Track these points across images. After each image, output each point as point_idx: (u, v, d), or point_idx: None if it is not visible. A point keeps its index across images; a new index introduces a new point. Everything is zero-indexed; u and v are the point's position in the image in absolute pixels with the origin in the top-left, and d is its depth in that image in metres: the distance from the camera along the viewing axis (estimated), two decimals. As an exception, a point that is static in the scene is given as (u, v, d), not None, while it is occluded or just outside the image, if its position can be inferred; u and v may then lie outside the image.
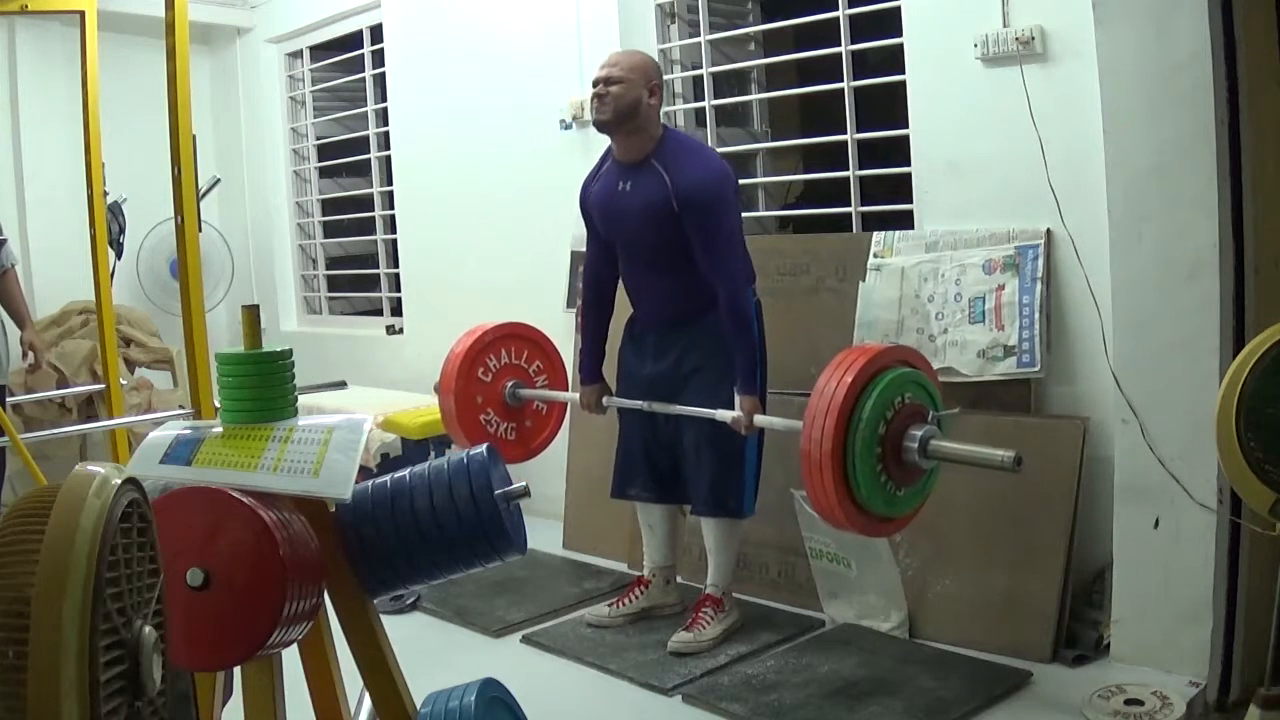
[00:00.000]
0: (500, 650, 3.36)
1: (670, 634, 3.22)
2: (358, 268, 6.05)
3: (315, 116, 6.05)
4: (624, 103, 3.07)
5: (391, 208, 5.51)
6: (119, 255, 5.27)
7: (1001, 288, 3.21)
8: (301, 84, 6.04)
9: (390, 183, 5.48)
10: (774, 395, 3.21)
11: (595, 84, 3.12)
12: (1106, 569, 3.01)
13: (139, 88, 5.01)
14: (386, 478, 1.73)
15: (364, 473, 1.64)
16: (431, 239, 5.21)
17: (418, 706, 1.68)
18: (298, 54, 6.03)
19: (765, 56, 4.26)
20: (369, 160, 5.67)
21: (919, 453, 2.46)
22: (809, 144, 4.33)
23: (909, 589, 3.22)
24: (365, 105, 5.61)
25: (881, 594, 3.25)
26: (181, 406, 4.30)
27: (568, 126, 4.46)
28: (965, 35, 3.25)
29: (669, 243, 3.09)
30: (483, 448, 1.75)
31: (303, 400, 1.73)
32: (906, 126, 3.50)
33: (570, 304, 4.43)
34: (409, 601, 3.64)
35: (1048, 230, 3.16)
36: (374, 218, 5.68)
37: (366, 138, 5.64)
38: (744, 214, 3.45)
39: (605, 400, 3.38)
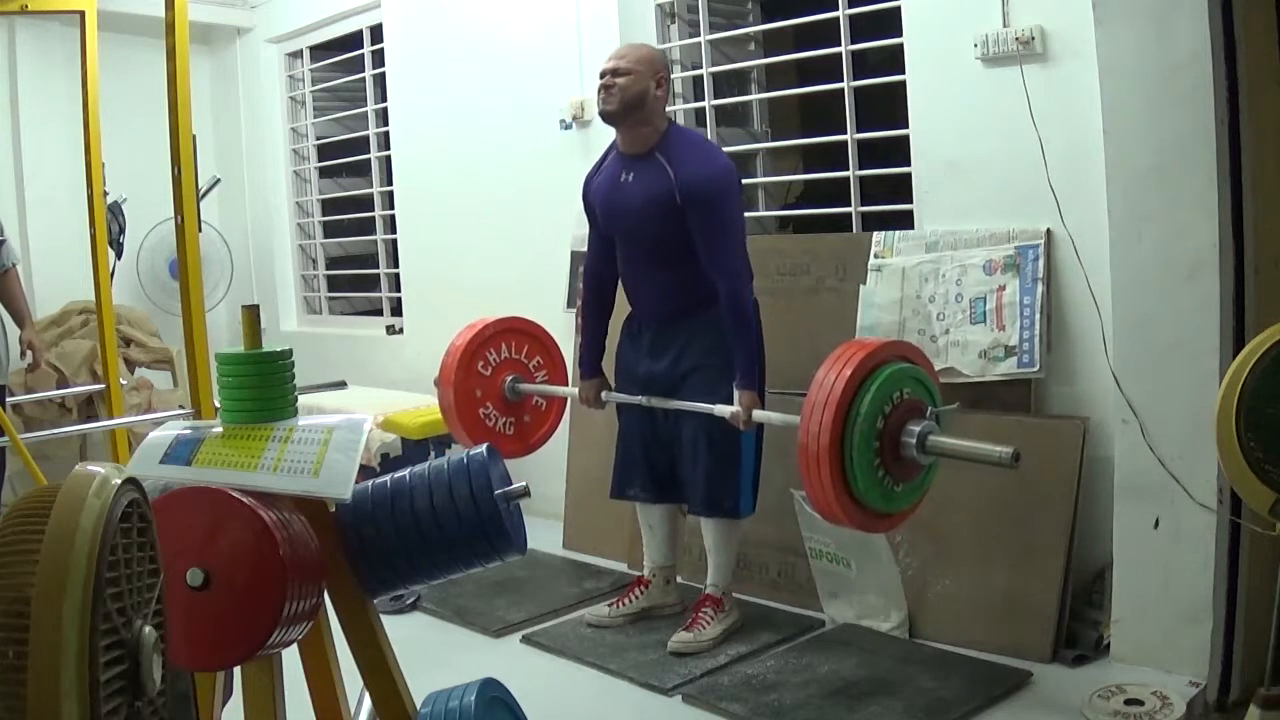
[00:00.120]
0: (500, 650, 3.36)
1: (670, 634, 3.22)
2: (358, 268, 6.05)
3: (315, 116, 6.05)
4: (630, 94, 3.08)
5: (391, 208, 5.51)
6: (119, 255, 5.26)
7: (1002, 288, 3.21)
8: (301, 84, 6.04)
9: (390, 183, 5.48)
10: (774, 395, 3.21)
11: (602, 75, 3.13)
12: (1106, 569, 3.01)
13: (139, 88, 5.01)
14: (386, 478, 1.73)
15: (364, 473, 1.64)
16: (431, 239, 5.21)
17: (418, 706, 1.68)
18: (298, 54, 6.03)
19: (765, 56, 4.26)
20: (369, 160, 5.67)
21: (917, 448, 2.45)
22: (809, 144, 4.34)
23: (909, 589, 3.22)
24: (365, 105, 5.61)
25: (881, 594, 3.25)
26: (181, 406, 4.30)
27: (568, 126, 4.46)
28: (965, 35, 3.25)
29: (669, 236, 3.08)
30: (483, 448, 1.75)
31: (303, 400, 1.73)
32: (906, 126, 3.50)
33: (570, 304, 4.43)
34: (409, 601, 3.64)
35: (1048, 230, 3.16)
36: (374, 218, 5.68)
37: (366, 138, 5.64)
38: (744, 214, 3.45)
39: (604, 395, 3.38)
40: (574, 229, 4.43)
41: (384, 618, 1.72)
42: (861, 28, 3.68)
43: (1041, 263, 3.15)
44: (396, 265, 5.51)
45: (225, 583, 1.38)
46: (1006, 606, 3.05)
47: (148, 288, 5.85)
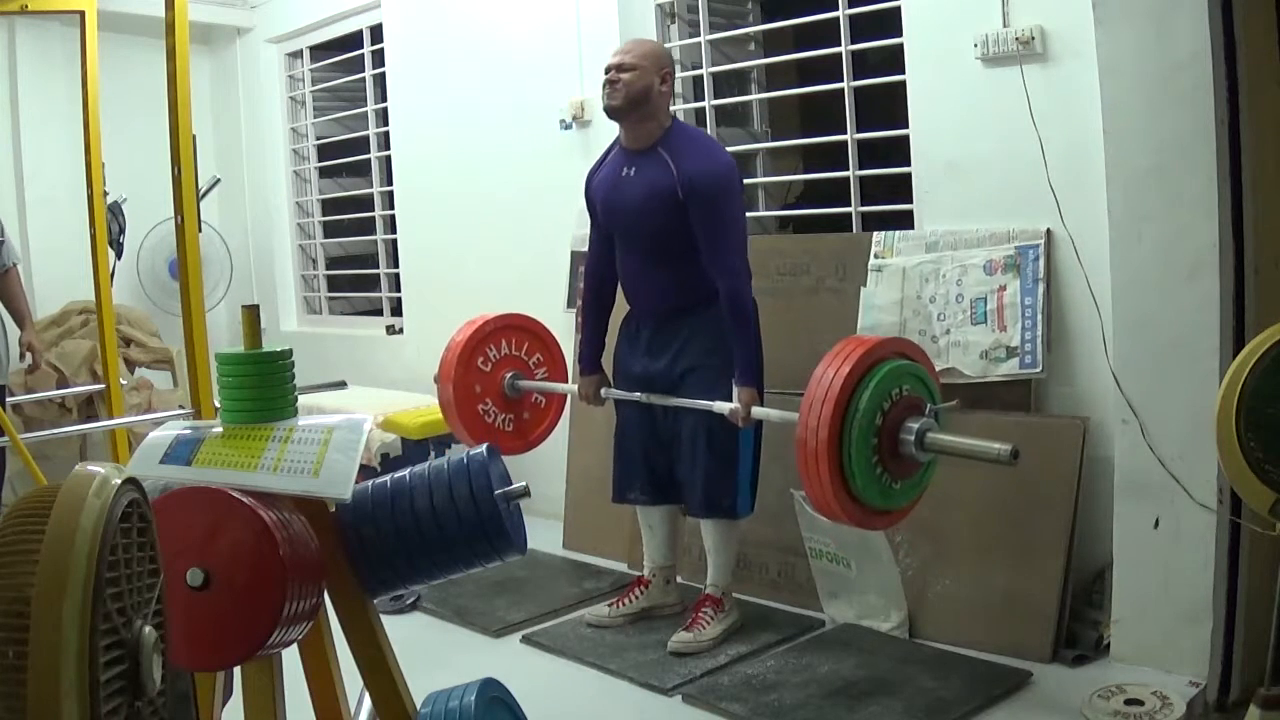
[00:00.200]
0: (500, 650, 3.36)
1: (670, 634, 3.22)
2: (358, 268, 6.05)
3: (315, 116, 6.05)
4: (635, 90, 3.08)
5: (391, 208, 5.51)
6: (119, 255, 5.27)
7: (1003, 288, 3.21)
8: (301, 84, 6.04)
9: (390, 183, 5.48)
10: (774, 394, 3.21)
11: (607, 70, 3.13)
12: (1106, 569, 3.01)
13: (139, 88, 5.01)
14: (386, 478, 1.73)
15: (364, 472, 1.64)
16: (431, 239, 5.21)
17: (418, 706, 1.68)
18: (298, 54, 6.03)
19: (765, 56, 4.26)
20: (369, 160, 5.67)
21: (915, 445, 2.44)
22: (809, 144, 4.34)
23: (909, 589, 3.22)
24: (365, 105, 5.61)
25: (881, 594, 3.25)
26: (181, 406, 4.30)
27: (568, 126, 4.46)
28: (965, 35, 3.25)
29: (669, 232, 3.08)
30: (483, 448, 1.75)
31: (303, 400, 1.73)
32: (906, 126, 3.50)
33: (570, 304, 4.43)
34: (409, 601, 3.64)
35: (1048, 230, 3.16)
36: (374, 218, 5.69)
37: (366, 138, 5.64)
38: (746, 212, 3.45)
39: (603, 391, 3.38)
40: (574, 229, 4.43)
41: (384, 618, 1.72)
42: (861, 28, 3.68)
43: (1042, 263, 3.15)
44: (396, 265, 5.51)
45: (225, 583, 1.38)
46: (1006, 606, 3.05)
47: (148, 288, 5.86)
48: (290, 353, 1.70)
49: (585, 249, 3.55)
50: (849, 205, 3.77)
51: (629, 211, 3.17)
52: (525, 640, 3.38)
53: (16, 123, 5.52)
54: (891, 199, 3.72)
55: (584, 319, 3.48)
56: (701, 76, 4.17)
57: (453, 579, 1.79)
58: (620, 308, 3.39)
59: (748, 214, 3.64)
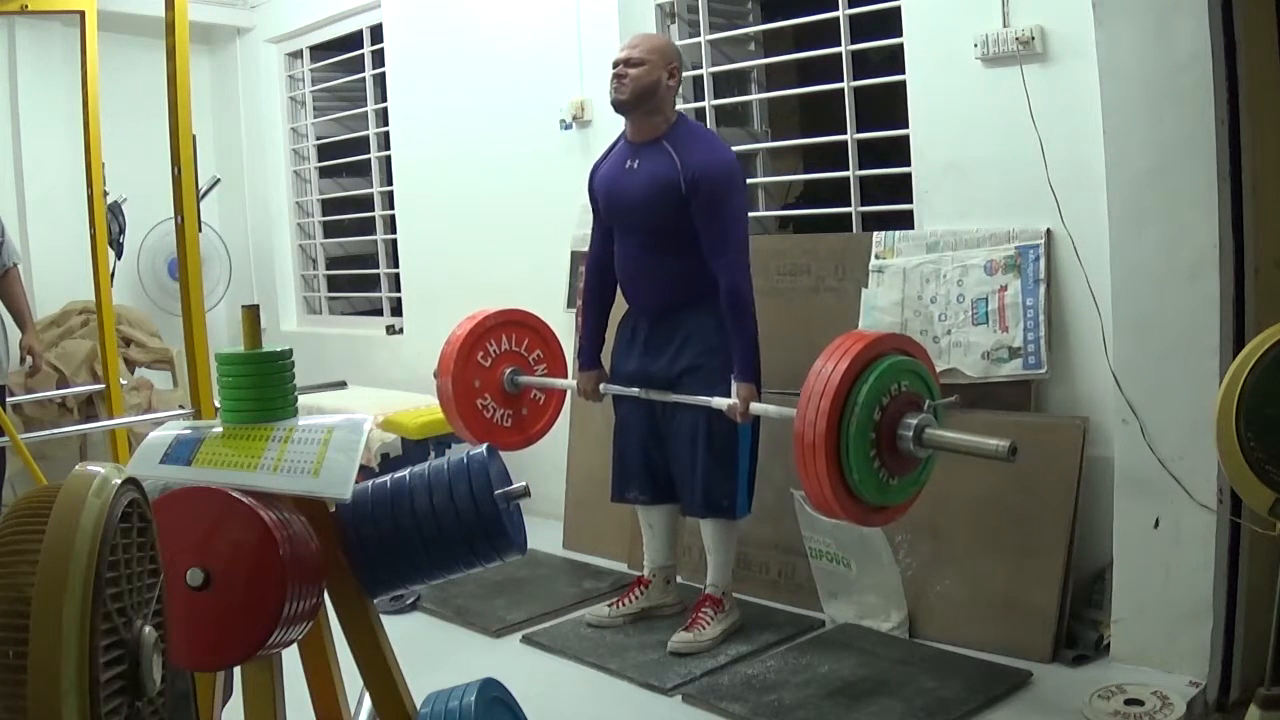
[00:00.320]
0: (500, 650, 3.36)
1: (670, 634, 3.22)
2: (358, 268, 6.05)
3: (315, 116, 6.05)
4: (642, 84, 3.09)
5: (391, 208, 5.51)
6: (119, 255, 5.27)
7: (1004, 288, 3.21)
8: (301, 84, 6.04)
9: (390, 183, 5.48)
10: (773, 394, 3.21)
11: (615, 65, 3.14)
12: (1106, 569, 3.01)
13: (139, 88, 5.01)
14: (386, 478, 1.73)
15: (364, 473, 1.64)
16: (431, 239, 5.21)
17: (418, 706, 1.68)
18: (298, 54, 6.03)
19: (765, 56, 4.26)
20: (369, 160, 5.67)
21: (914, 441, 2.42)
22: (809, 144, 4.34)
23: (909, 589, 3.22)
24: (365, 105, 5.61)
25: (881, 594, 3.25)
26: (181, 406, 4.30)
27: (568, 126, 4.46)
28: (965, 35, 3.25)
29: (670, 225, 3.08)
30: (482, 448, 1.75)
31: (303, 400, 1.73)
32: (906, 126, 3.50)
33: (570, 304, 4.43)
34: (409, 601, 3.64)
35: (1048, 230, 3.16)
36: (374, 218, 5.68)
37: (366, 138, 5.64)
38: (748, 210, 3.45)
39: (602, 387, 3.38)
40: (574, 229, 4.43)
41: (384, 618, 1.72)
42: (861, 28, 3.68)
43: (1042, 263, 3.15)
44: (396, 265, 5.51)
45: (225, 583, 1.38)
46: (1006, 606, 3.05)
47: (148, 288, 5.86)
48: (290, 353, 1.70)
49: (585, 249, 3.55)
50: (849, 205, 3.77)
51: (631, 203, 3.17)
52: (525, 640, 3.38)
53: (16, 123, 5.52)
54: (891, 199, 3.72)
55: (584, 314, 3.48)
56: (701, 76, 4.17)
57: (453, 579, 1.79)
58: (620, 306, 3.39)
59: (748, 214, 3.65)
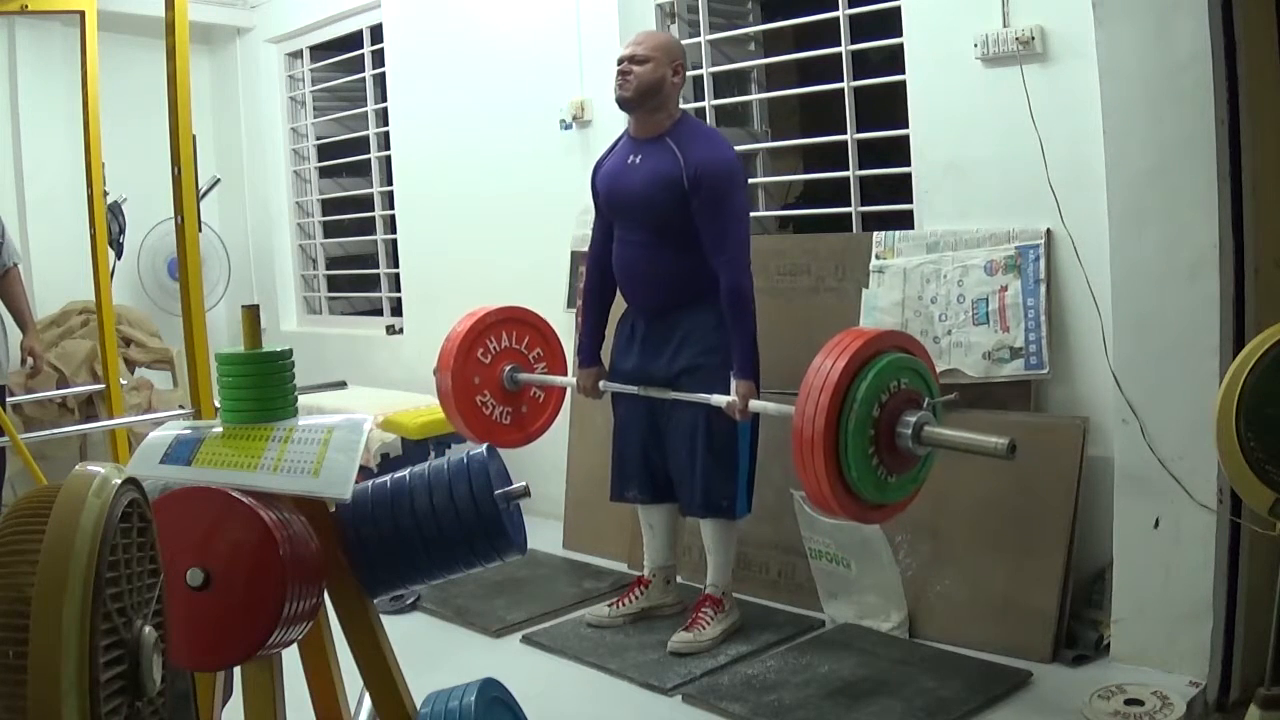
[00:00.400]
0: (500, 650, 3.36)
1: (670, 634, 3.22)
2: (358, 268, 6.05)
3: (315, 116, 6.05)
4: (647, 82, 3.10)
5: (391, 208, 5.51)
6: (119, 255, 5.27)
7: (1004, 289, 3.21)
8: (301, 84, 6.04)
9: (390, 183, 5.48)
10: (773, 394, 3.20)
11: (620, 62, 3.15)
12: (1106, 569, 3.01)
13: (139, 88, 5.01)
14: (386, 478, 1.73)
15: (364, 473, 1.64)
16: (431, 239, 5.21)
17: (418, 706, 1.68)
18: (298, 54, 6.03)
19: (765, 56, 4.26)
20: (369, 160, 5.67)
21: (912, 438, 2.42)
22: (809, 144, 4.34)
23: (909, 589, 3.22)
24: (365, 105, 5.61)
25: (881, 594, 3.25)
26: (181, 406, 4.30)
27: (568, 126, 4.46)
28: (965, 35, 3.25)
29: (671, 220, 3.09)
30: (482, 448, 1.75)
31: (303, 400, 1.73)
32: (906, 126, 3.50)
33: (570, 304, 4.43)
34: (409, 601, 3.64)
35: (1048, 230, 3.16)
36: (374, 218, 5.68)
37: (366, 138, 5.64)
38: (749, 209, 3.45)
39: (602, 384, 3.38)
40: (574, 229, 4.43)
41: (384, 618, 1.72)
42: (861, 28, 3.68)
43: (1043, 263, 3.15)
44: (396, 265, 5.51)
45: (225, 583, 1.38)
46: (1006, 606, 3.05)
47: (148, 288, 5.86)
48: (290, 353, 1.70)
49: (585, 249, 3.55)
50: (849, 205, 3.77)
51: (632, 197, 3.17)
52: (525, 640, 3.38)
53: (16, 123, 5.52)
54: (891, 199, 3.72)
55: (584, 312, 3.48)
56: (701, 76, 4.17)
57: (453, 579, 1.79)
58: (620, 305, 3.39)
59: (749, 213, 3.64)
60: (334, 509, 1.67)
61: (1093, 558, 3.08)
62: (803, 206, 4.48)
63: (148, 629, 1.01)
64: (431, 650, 3.22)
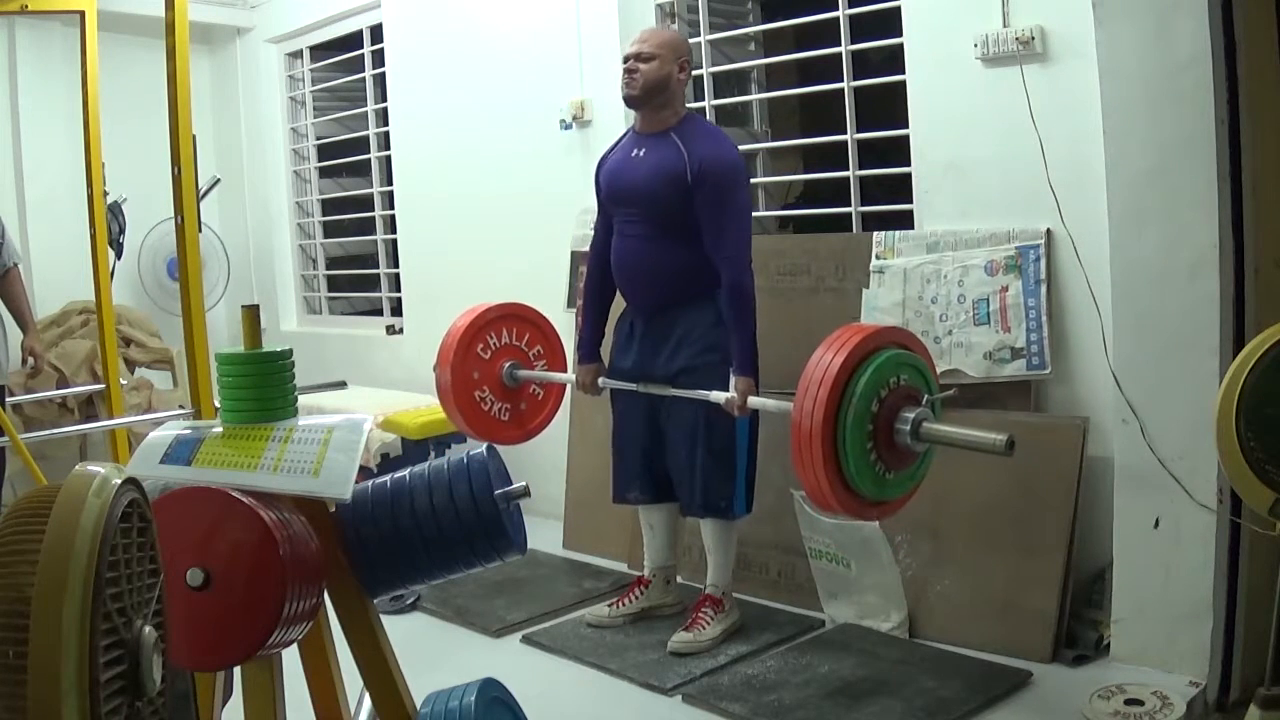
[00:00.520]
0: (500, 650, 3.36)
1: (670, 634, 3.22)
2: (358, 268, 6.05)
3: (315, 116, 6.05)
4: (654, 79, 3.11)
5: (391, 208, 5.51)
6: (119, 255, 5.27)
7: (1005, 289, 3.21)
8: (301, 84, 6.04)
9: (390, 183, 5.48)
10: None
11: (626, 60, 3.15)
12: (1106, 569, 3.01)
13: (139, 88, 5.01)
14: (386, 478, 1.73)
15: (364, 473, 1.64)
16: (431, 239, 5.21)
17: (418, 706, 1.68)
18: (298, 54, 6.03)
19: (765, 56, 4.26)
20: (369, 160, 5.67)
21: (911, 435, 2.41)
22: (809, 144, 4.34)
23: (909, 589, 3.22)
24: (365, 105, 5.61)
25: (881, 594, 3.25)
26: (181, 406, 4.30)
27: (568, 126, 4.46)
28: (965, 35, 3.25)
29: (673, 214, 3.09)
30: (482, 448, 1.75)
31: (303, 400, 1.73)
32: (906, 126, 3.50)
33: (570, 304, 4.43)
34: (409, 601, 3.64)
35: (1048, 230, 3.16)
36: (374, 218, 5.69)
37: (366, 138, 5.64)
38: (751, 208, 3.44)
39: (601, 381, 3.37)
40: (574, 229, 4.43)
41: (384, 618, 1.72)
42: (861, 28, 3.68)
43: (1043, 263, 3.15)
44: (396, 265, 5.51)
45: (225, 583, 1.38)
46: (1006, 606, 3.05)
47: (148, 288, 5.86)
48: (290, 353, 1.70)
49: (585, 249, 3.55)
50: (849, 205, 3.77)
51: (634, 189, 3.17)
52: (525, 640, 3.38)
53: (16, 123, 5.52)
54: (891, 199, 3.72)
55: (585, 308, 3.47)
56: (702, 76, 4.17)
57: (453, 579, 1.79)
58: (619, 303, 3.38)
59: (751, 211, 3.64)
60: (334, 509, 1.67)
61: (1093, 558, 3.08)
62: (803, 206, 4.48)
63: (148, 629, 1.01)
64: (431, 650, 3.22)
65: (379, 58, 5.41)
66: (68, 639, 0.89)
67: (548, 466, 4.30)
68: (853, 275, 3.52)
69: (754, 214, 4.07)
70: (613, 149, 3.35)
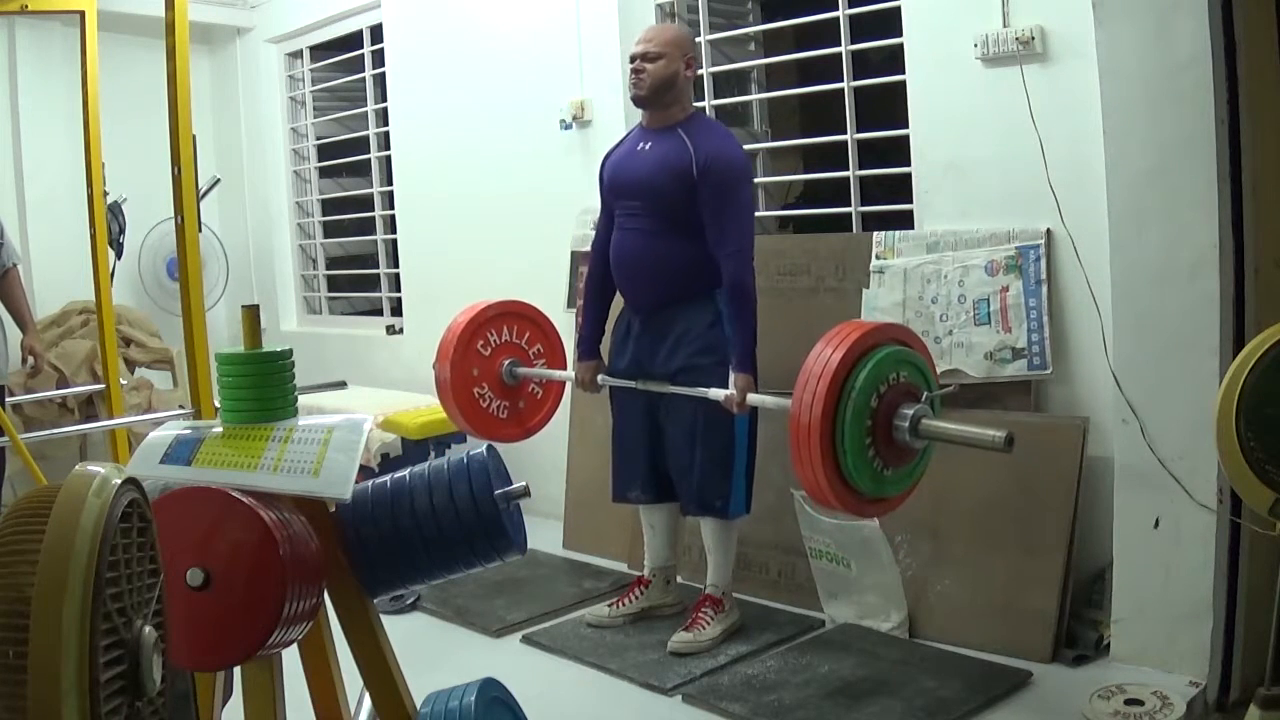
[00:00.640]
0: (500, 650, 3.36)
1: (670, 634, 3.22)
2: (358, 268, 6.05)
3: (315, 116, 6.05)
4: (661, 78, 3.12)
5: (391, 208, 5.51)
6: (119, 255, 5.27)
7: (1005, 289, 3.21)
8: (301, 84, 6.04)
9: (390, 183, 5.48)
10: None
11: (632, 59, 3.16)
12: (1106, 569, 3.01)
13: (139, 88, 5.01)
14: (386, 478, 1.73)
15: (364, 473, 1.64)
16: (431, 239, 5.21)
17: (418, 706, 1.68)
18: (298, 54, 6.03)
19: (765, 56, 4.26)
20: (369, 160, 5.67)
21: (910, 431, 2.40)
22: (809, 144, 4.34)
23: (909, 589, 3.22)
24: (365, 105, 5.61)
25: (881, 594, 3.25)
26: (181, 406, 4.30)
27: (568, 126, 4.46)
28: (965, 35, 3.25)
29: (675, 208, 3.09)
30: (482, 448, 1.75)
31: (303, 400, 1.73)
32: (906, 126, 3.50)
33: (570, 304, 4.43)
34: (409, 601, 3.64)
35: (1048, 230, 3.16)
36: (374, 218, 5.69)
37: (366, 138, 5.64)
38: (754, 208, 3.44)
39: (600, 378, 3.37)
40: (574, 229, 4.43)
41: (384, 618, 1.72)
42: (861, 28, 3.68)
43: (1043, 263, 3.15)
44: (396, 265, 5.51)
45: (225, 583, 1.38)
46: (1006, 606, 3.05)
47: (148, 288, 5.86)
48: (290, 353, 1.70)
49: (585, 249, 3.55)
50: (849, 205, 3.77)
51: (638, 182, 3.17)
52: (525, 640, 3.38)
53: (16, 123, 5.52)
54: (891, 199, 3.72)
55: (585, 305, 3.47)
56: (702, 76, 4.17)
57: (453, 579, 1.79)
58: (619, 301, 3.38)
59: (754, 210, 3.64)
60: (334, 509, 1.67)
61: (1093, 558, 3.08)
62: (803, 206, 4.49)
63: (148, 629, 1.01)
64: (431, 650, 3.22)
65: (379, 58, 5.41)
66: (68, 639, 0.89)
67: (548, 466, 4.30)
68: (853, 275, 3.52)
69: (755, 214, 4.08)
70: (619, 145, 3.36)
